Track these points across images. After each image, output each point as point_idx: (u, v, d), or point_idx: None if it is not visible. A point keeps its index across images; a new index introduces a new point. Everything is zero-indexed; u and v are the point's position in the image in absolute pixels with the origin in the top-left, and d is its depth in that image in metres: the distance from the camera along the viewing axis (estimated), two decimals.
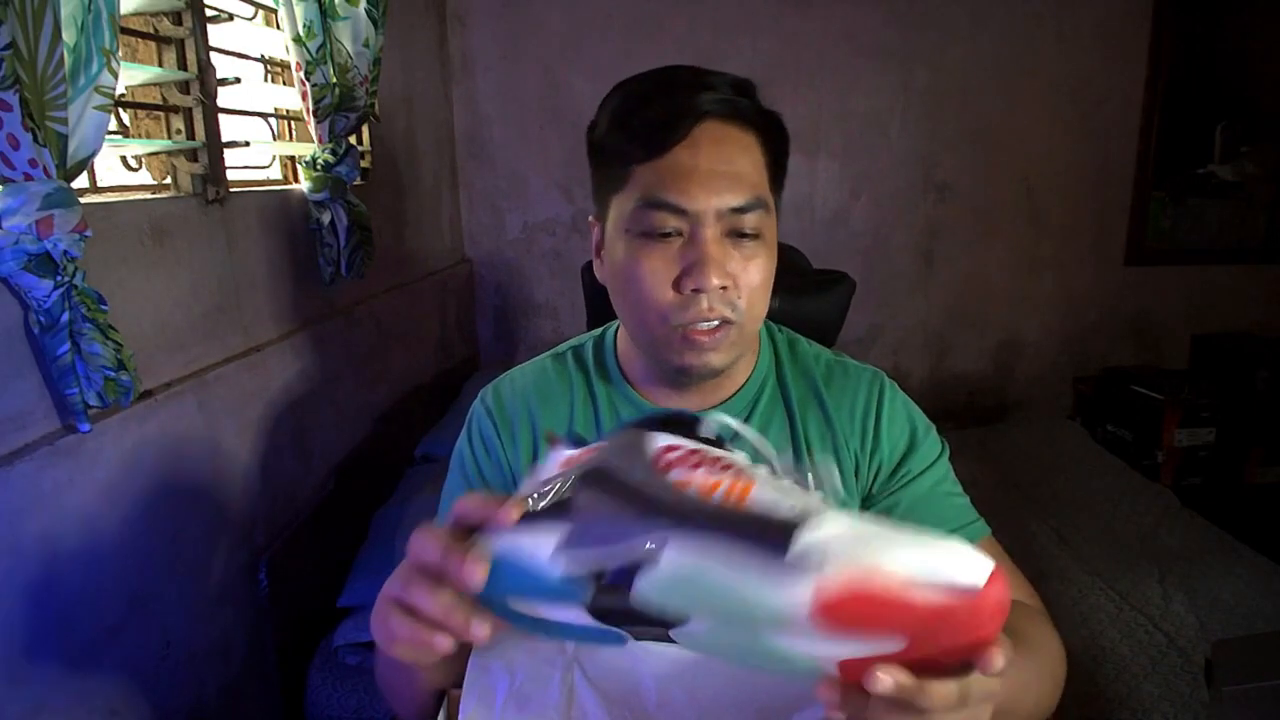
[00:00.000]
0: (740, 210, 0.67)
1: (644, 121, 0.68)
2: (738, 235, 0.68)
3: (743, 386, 0.78)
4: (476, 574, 0.45)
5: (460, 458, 0.81)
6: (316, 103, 1.37)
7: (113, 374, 0.88)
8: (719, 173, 0.67)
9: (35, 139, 0.77)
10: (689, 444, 0.45)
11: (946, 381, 2.90)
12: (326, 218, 1.45)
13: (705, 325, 0.68)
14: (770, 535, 0.37)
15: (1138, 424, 2.62)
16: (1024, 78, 2.67)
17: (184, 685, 1.07)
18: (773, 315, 1.18)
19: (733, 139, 0.68)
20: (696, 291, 0.66)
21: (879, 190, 2.73)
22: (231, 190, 1.25)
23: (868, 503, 0.78)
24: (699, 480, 0.41)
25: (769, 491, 0.40)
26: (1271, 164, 2.79)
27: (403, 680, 0.66)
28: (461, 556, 0.46)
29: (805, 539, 0.37)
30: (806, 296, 1.19)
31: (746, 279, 0.68)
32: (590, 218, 0.77)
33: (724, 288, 0.67)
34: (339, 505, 1.49)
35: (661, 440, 0.45)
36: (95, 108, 0.84)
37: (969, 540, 0.71)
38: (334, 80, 1.40)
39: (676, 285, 0.67)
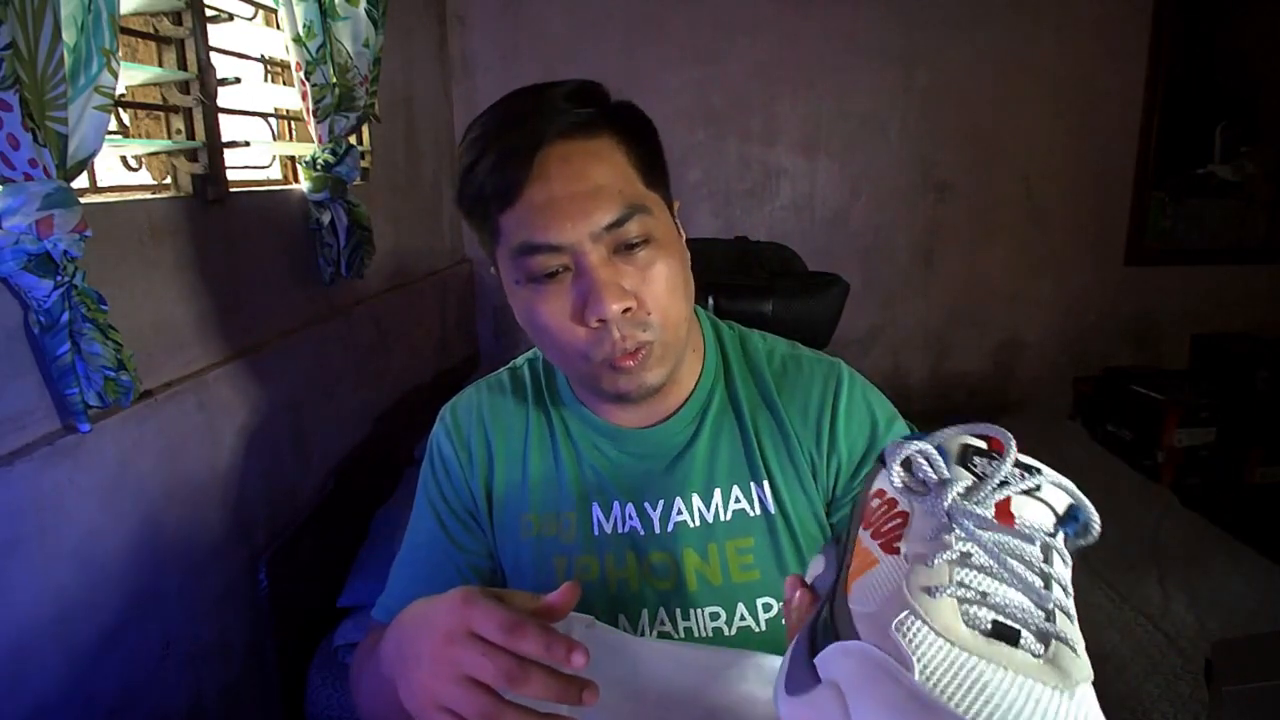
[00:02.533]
0: (615, 225, 0.63)
1: (489, 169, 0.64)
2: (625, 248, 0.64)
3: (691, 395, 0.76)
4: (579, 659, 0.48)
5: (424, 483, 0.81)
6: (316, 103, 1.37)
7: (113, 374, 0.88)
8: (578, 194, 0.63)
9: (35, 139, 0.77)
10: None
11: (946, 381, 2.90)
12: (326, 218, 1.45)
13: (624, 353, 0.65)
14: None
15: (1138, 424, 2.62)
16: (1024, 77, 2.67)
17: (184, 685, 1.07)
18: (765, 319, 1.18)
19: (582, 153, 0.64)
20: (602, 322, 0.63)
21: (879, 190, 2.73)
22: (231, 190, 1.25)
23: (831, 507, 0.75)
24: None
25: None
26: (1271, 164, 2.79)
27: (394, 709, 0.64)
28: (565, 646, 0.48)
29: None
30: (800, 299, 1.19)
31: (650, 292, 0.65)
32: (490, 269, 0.73)
33: (627, 309, 0.63)
34: (339, 505, 1.49)
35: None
36: (95, 108, 0.84)
37: None
38: (334, 80, 1.40)
39: (580, 320, 0.64)
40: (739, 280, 1.27)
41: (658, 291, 0.65)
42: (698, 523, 0.74)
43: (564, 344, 0.66)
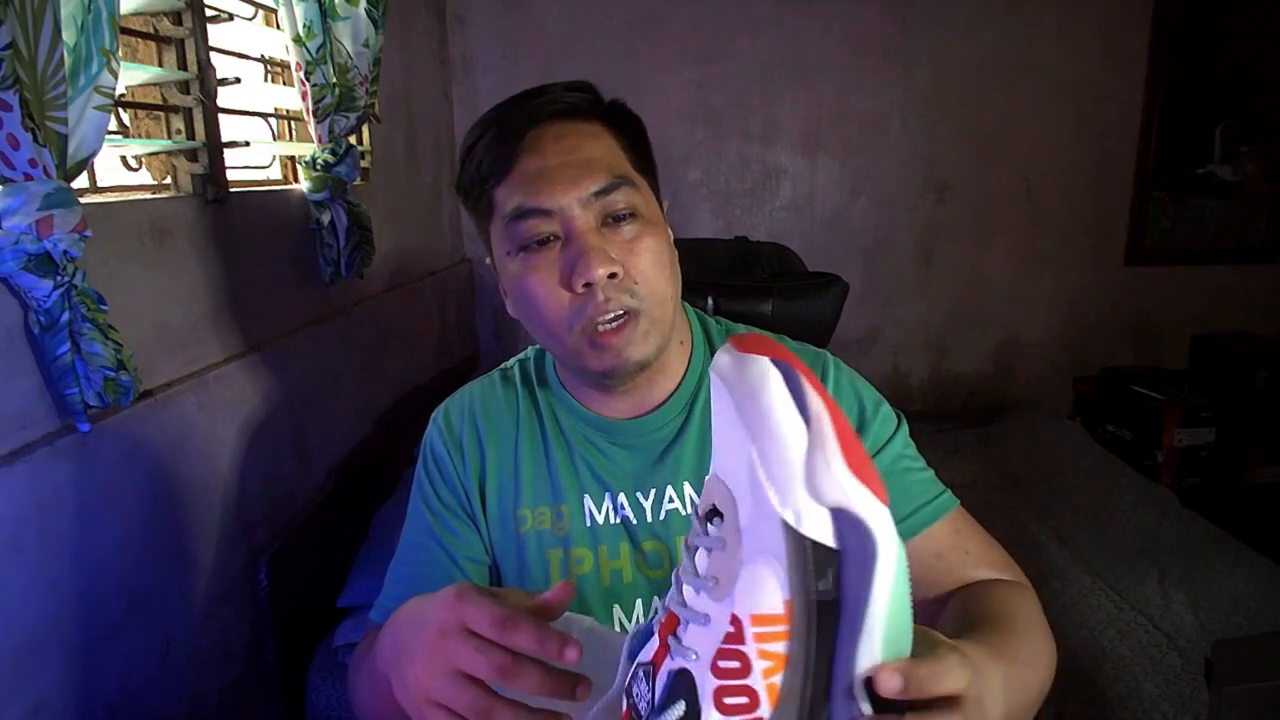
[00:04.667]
0: (603, 192, 0.66)
1: (486, 146, 0.69)
2: (614, 220, 0.67)
3: (679, 386, 0.77)
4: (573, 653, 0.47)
5: (418, 484, 0.81)
6: (316, 103, 1.37)
7: (113, 374, 0.88)
8: (570, 163, 0.66)
9: (35, 139, 0.77)
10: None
11: (946, 381, 2.90)
12: (326, 218, 1.45)
13: (608, 322, 0.66)
14: None
15: (1138, 424, 2.62)
16: (1024, 78, 2.67)
17: (184, 685, 1.07)
18: (766, 319, 1.18)
19: (576, 132, 0.69)
20: (588, 286, 0.65)
21: (879, 190, 2.73)
22: (231, 190, 1.25)
23: None
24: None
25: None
26: (1271, 164, 2.79)
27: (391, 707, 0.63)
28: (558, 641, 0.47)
29: None
30: (800, 299, 1.19)
31: (636, 262, 0.67)
32: (486, 260, 0.76)
33: (613, 275, 0.65)
34: (339, 505, 1.49)
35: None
36: (95, 108, 0.84)
37: (939, 515, 0.71)
38: (334, 80, 1.40)
39: (567, 285, 0.66)
40: (739, 280, 1.27)
41: (644, 263, 0.68)
42: (689, 510, 0.75)
43: (550, 313, 0.68)
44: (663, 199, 0.76)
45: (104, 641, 0.93)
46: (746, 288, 1.21)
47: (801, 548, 0.36)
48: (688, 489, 0.75)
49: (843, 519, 0.34)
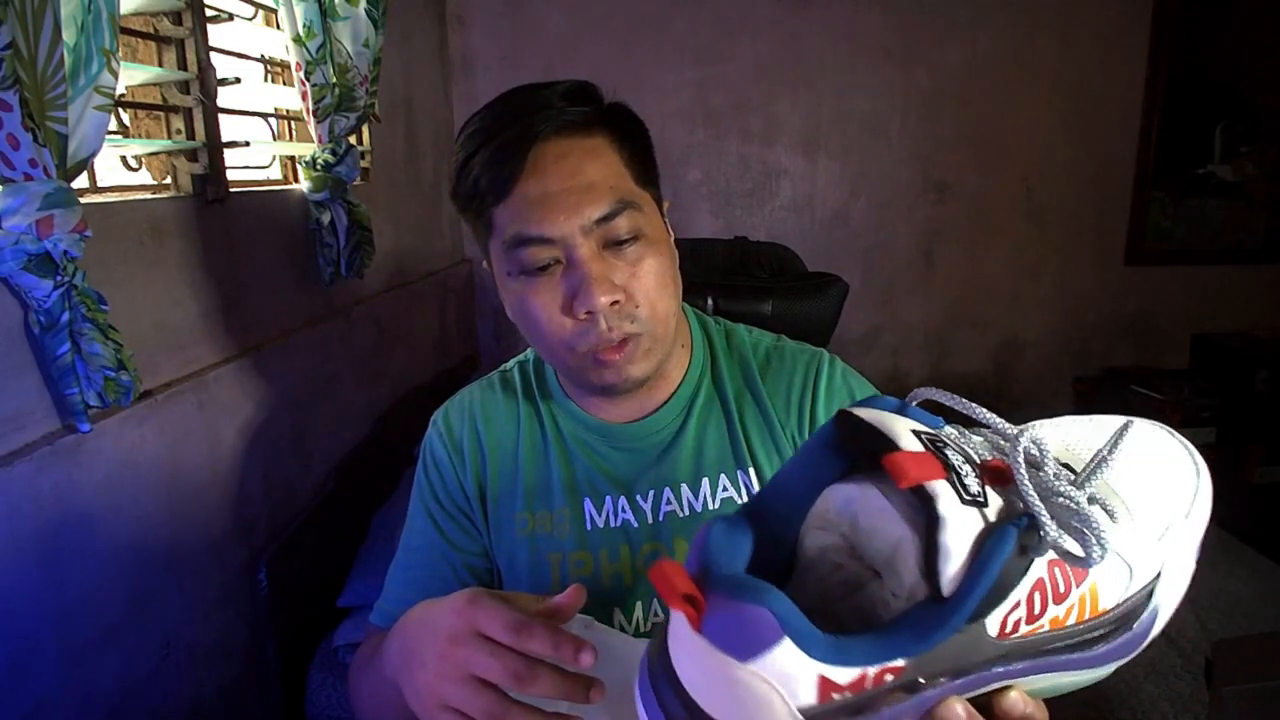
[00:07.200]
0: (606, 219, 0.65)
1: (484, 163, 0.66)
2: (616, 244, 0.66)
3: (678, 388, 0.77)
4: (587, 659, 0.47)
5: (418, 486, 0.81)
6: (316, 103, 1.37)
7: (113, 374, 0.88)
8: (571, 189, 0.65)
9: (35, 139, 0.77)
10: (1017, 593, 0.33)
11: (946, 381, 2.89)
12: (326, 218, 1.45)
13: (610, 345, 0.66)
14: (1124, 626, 0.37)
15: None
16: (1024, 78, 2.67)
17: (184, 685, 1.07)
18: (765, 319, 1.18)
19: (577, 150, 0.66)
20: (590, 314, 0.65)
21: (879, 190, 2.73)
22: (231, 190, 1.25)
23: None
24: (1048, 620, 0.34)
25: (1110, 574, 0.35)
26: (1271, 164, 2.79)
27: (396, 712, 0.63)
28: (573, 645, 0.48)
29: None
30: (800, 299, 1.19)
31: (639, 286, 0.66)
32: (484, 263, 0.75)
33: (616, 302, 0.65)
34: (339, 505, 1.49)
35: (995, 614, 0.33)
36: (95, 108, 0.84)
37: None
38: (334, 80, 1.40)
39: (569, 312, 0.65)
40: (739, 280, 1.27)
41: (646, 286, 0.67)
42: (686, 512, 0.75)
43: (552, 335, 0.67)
44: (663, 199, 0.75)
45: (104, 642, 0.93)
46: (746, 288, 1.21)
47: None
48: (685, 490, 0.75)
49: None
